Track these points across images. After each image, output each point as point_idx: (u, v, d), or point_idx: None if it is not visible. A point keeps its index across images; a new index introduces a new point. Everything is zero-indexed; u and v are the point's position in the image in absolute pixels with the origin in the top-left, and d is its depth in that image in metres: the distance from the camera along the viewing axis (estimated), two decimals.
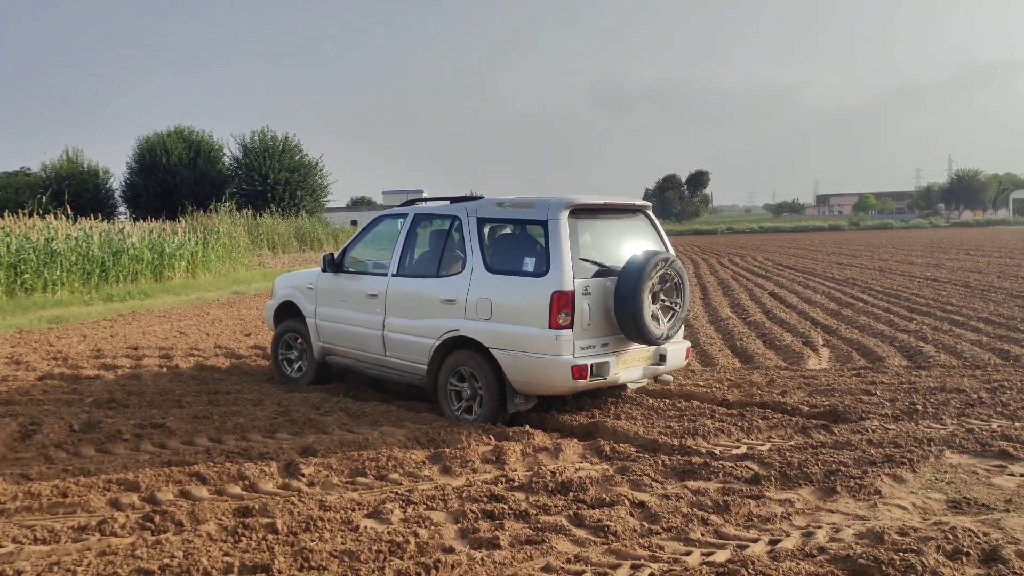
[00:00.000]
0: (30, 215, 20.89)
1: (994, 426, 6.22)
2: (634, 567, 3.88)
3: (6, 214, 20.20)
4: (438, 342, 6.78)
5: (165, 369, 9.21)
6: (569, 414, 6.78)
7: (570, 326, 6.16)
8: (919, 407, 6.76)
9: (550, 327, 6.14)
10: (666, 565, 3.88)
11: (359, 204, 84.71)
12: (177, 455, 5.67)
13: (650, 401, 7.20)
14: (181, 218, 28.79)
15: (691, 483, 5.05)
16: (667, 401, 7.22)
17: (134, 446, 6.02)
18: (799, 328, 11.73)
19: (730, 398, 7.29)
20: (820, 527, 4.35)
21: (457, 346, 6.73)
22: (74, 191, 40.34)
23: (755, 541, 4.18)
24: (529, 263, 6.44)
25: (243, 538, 4.19)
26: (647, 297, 6.32)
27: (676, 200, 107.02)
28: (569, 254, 6.20)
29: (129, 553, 3.96)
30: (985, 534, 4.14)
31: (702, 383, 8.02)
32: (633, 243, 6.81)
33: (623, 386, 7.29)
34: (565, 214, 6.31)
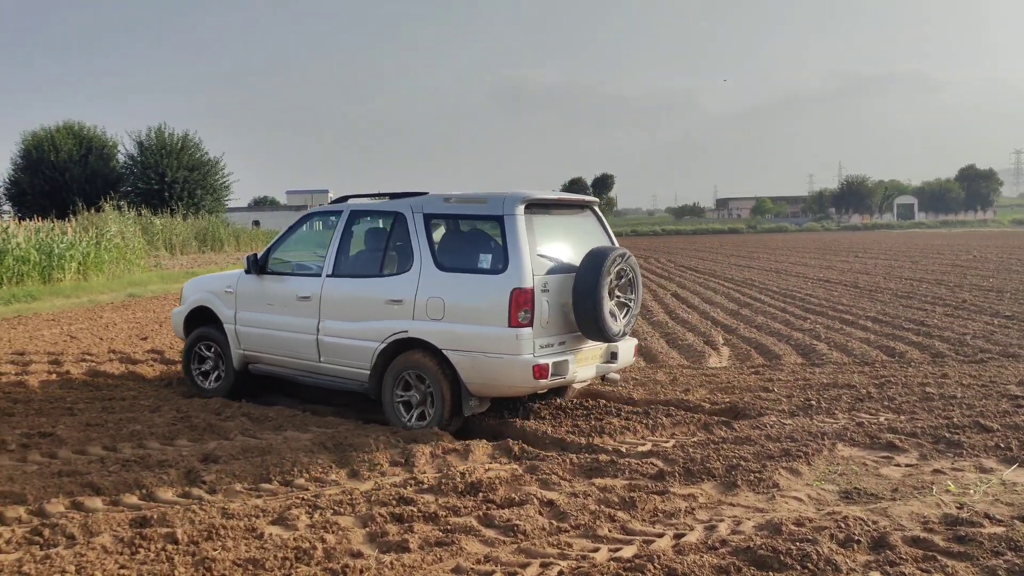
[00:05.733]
0: None
1: (882, 419, 6.55)
2: (543, 565, 3.91)
3: None
4: (383, 345, 6.48)
5: (54, 375, 8.75)
6: (478, 415, 6.78)
7: (530, 324, 6.01)
8: (813, 403, 7.06)
9: (510, 326, 5.96)
10: (575, 562, 3.93)
11: (261, 204, 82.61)
12: (68, 465, 5.40)
13: (558, 400, 7.27)
14: (71, 217, 27.46)
15: (598, 480, 5.12)
16: (574, 400, 7.31)
17: (20, 456, 5.70)
18: (700, 328, 12.08)
19: (635, 396, 7.44)
20: (722, 520, 4.48)
21: (404, 348, 6.45)
22: None
23: (661, 536, 4.28)
24: (485, 260, 6.23)
25: (140, 549, 4.02)
26: (606, 293, 6.24)
27: None
28: (527, 250, 6.05)
29: (15, 569, 3.75)
30: (874, 522, 4.35)
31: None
32: (583, 239, 6.72)
33: (566, 390, 7.20)
34: (521, 209, 6.16)
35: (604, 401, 7.26)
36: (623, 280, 6.57)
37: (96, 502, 4.75)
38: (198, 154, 47.33)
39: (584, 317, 6.23)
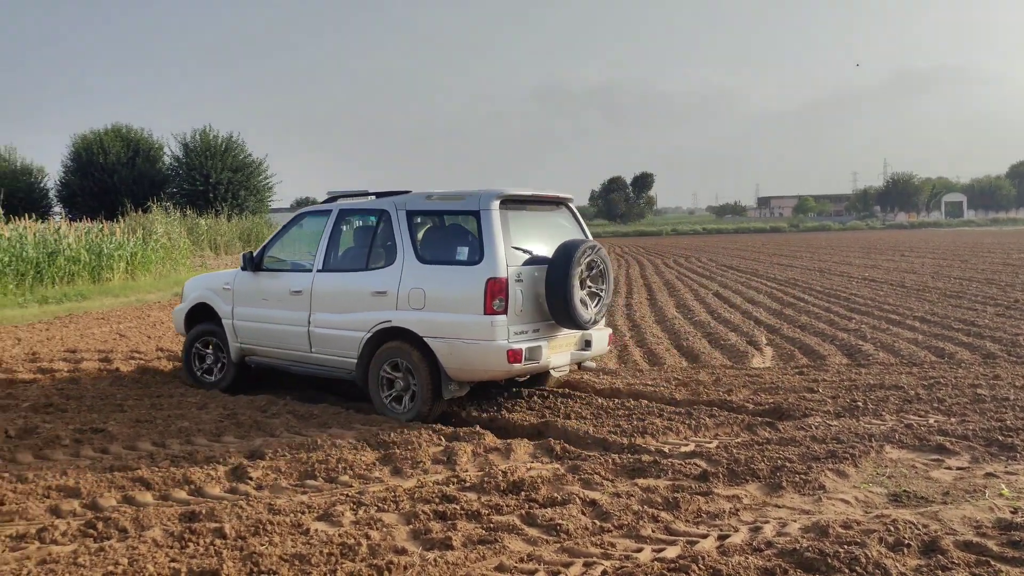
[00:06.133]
0: None
1: (931, 421, 6.42)
2: (586, 565, 3.90)
3: None
4: (369, 334, 6.82)
5: (105, 372, 8.96)
6: (519, 414, 6.79)
7: (504, 312, 6.34)
8: (860, 404, 6.95)
9: (485, 313, 6.30)
10: (618, 562, 3.92)
11: (303, 205, 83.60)
12: (119, 460, 5.52)
13: (599, 401, 7.25)
14: (119, 218, 28.05)
15: (641, 481, 5.10)
16: (616, 400, 7.28)
17: (74, 451, 5.85)
18: (743, 328, 11.95)
19: (678, 397, 7.39)
20: (767, 522, 4.43)
21: (389, 337, 6.77)
22: (7, 190, 39.00)
23: (704, 537, 4.24)
24: (462, 252, 6.59)
25: (190, 543, 4.10)
26: (576, 283, 6.55)
27: (621, 202, 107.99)
28: (502, 242, 6.40)
29: (71, 561, 3.85)
30: (925, 526, 4.27)
31: (650, 382, 8.12)
32: (558, 233, 7.04)
33: (545, 378, 7.60)
34: (496, 204, 6.50)
35: (646, 402, 7.22)
36: (594, 271, 6.85)
37: (146, 496, 4.86)
38: (242, 156, 47.96)
39: (556, 305, 6.55)
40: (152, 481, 5.05)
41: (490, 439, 5.97)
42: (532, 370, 6.70)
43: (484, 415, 6.79)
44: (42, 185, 48.24)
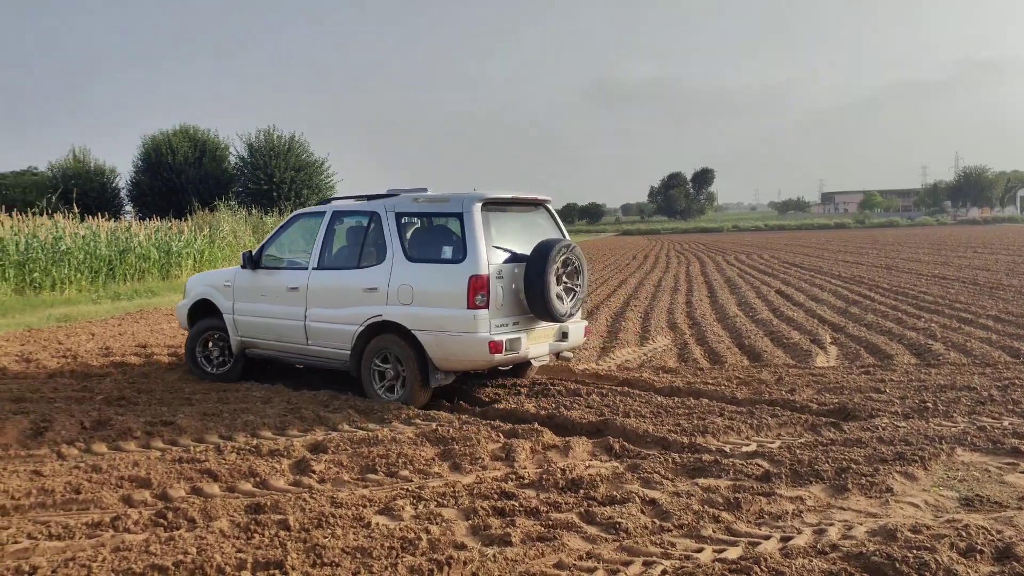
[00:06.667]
0: (40, 214, 20.95)
1: (1005, 424, 6.20)
2: (646, 564, 3.87)
3: (15, 213, 20.28)
4: (361, 328, 7.25)
5: (174, 367, 9.23)
6: (578, 411, 6.78)
7: (486, 306, 6.78)
8: (929, 405, 6.75)
9: (468, 308, 6.74)
10: (678, 562, 3.88)
11: None
12: (188, 452, 5.68)
13: (659, 399, 7.20)
14: (187, 217, 28.83)
15: (702, 480, 5.04)
16: (676, 399, 7.21)
17: (145, 443, 6.04)
18: (806, 326, 11.72)
19: (739, 396, 7.29)
20: (832, 524, 4.34)
21: (380, 331, 7.21)
22: (81, 190, 40.43)
23: (767, 538, 4.17)
24: (447, 251, 7.08)
25: (255, 534, 4.20)
26: (552, 279, 6.96)
27: (681, 198, 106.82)
28: (483, 242, 6.83)
29: (143, 549, 3.98)
30: (998, 531, 4.13)
31: (711, 381, 8.02)
32: (536, 233, 7.49)
33: (526, 369, 8.12)
34: (478, 206, 6.94)
35: (707, 400, 7.13)
36: (569, 268, 7.24)
37: (214, 488, 4.99)
38: (304, 155, 48.78)
39: (534, 300, 6.98)
40: (219, 473, 5.18)
41: (548, 436, 5.97)
42: (512, 360, 7.12)
43: (542, 412, 6.79)
44: (114, 185, 49.86)
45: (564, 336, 7.51)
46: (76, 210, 22.44)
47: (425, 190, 7.66)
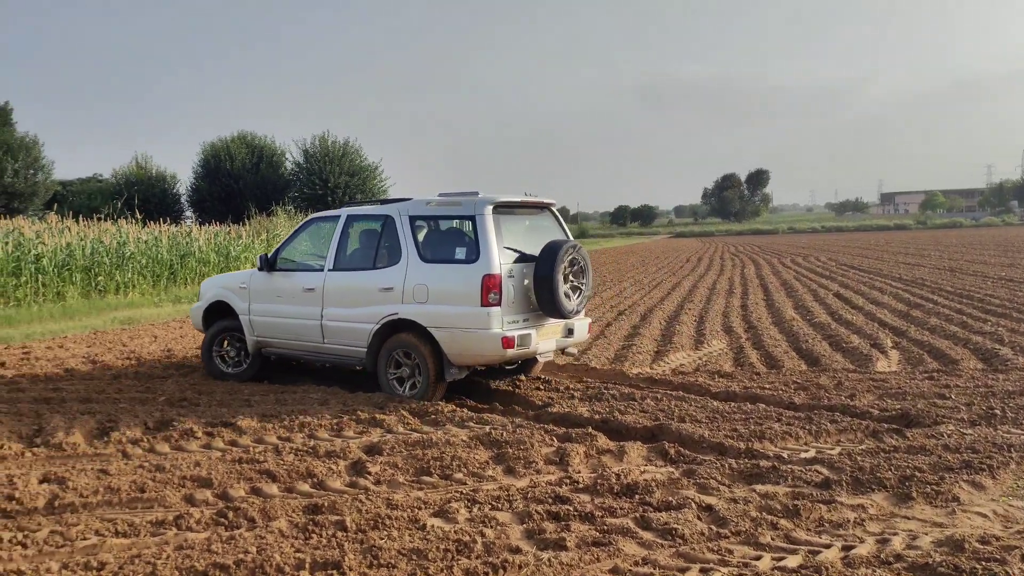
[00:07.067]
0: (104, 220, 21.59)
1: None
2: (703, 571, 3.83)
3: (81, 219, 20.94)
4: (377, 326, 7.57)
5: None
6: (632, 416, 6.73)
7: (499, 304, 7.09)
8: (997, 411, 6.54)
9: (482, 305, 7.05)
10: (736, 569, 3.83)
11: None
12: (247, 453, 5.79)
13: (715, 404, 7.10)
14: (245, 221, 29.44)
15: (759, 487, 4.96)
16: (732, 404, 7.11)
17: (206, 443, 6.17)
18: (866, 330, 11.45)
19: (797, 401, 7.16)
20: (896, 534, 4.23)
21: (395, 328, 7.53)
22: (143, 196, 41.58)
23: (828, 547, 4.09)
24: (461, 252, 7.38)
25: (313, 535, 4.26)
26: (560, 277, 7.29)
27: (735, 199, 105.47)
28: (495, 243, 7.14)
29: (205, 548, 4.06)
30: None
31: (768, 386, 7.89)
32: (543, 234, 7.82)
33: (532, 365, 8.33)
34: (490, 209, 7.22)
35: (764, 406, 7.02)
36: (575, 267, 7.58)
37: (272, 488, 5.08)
38: (358, 160, 49.45)
39: (543, 298, 7.33)
40: (278, 473, 5.27)
41: (603, 441, 5.94)
42: (523, 355, 7.42)
43: (596, 416, 6.76)
44: (174, 191, 51.16)
45: (570, 332, 7.85)
46: (139, 216, 23.08)
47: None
